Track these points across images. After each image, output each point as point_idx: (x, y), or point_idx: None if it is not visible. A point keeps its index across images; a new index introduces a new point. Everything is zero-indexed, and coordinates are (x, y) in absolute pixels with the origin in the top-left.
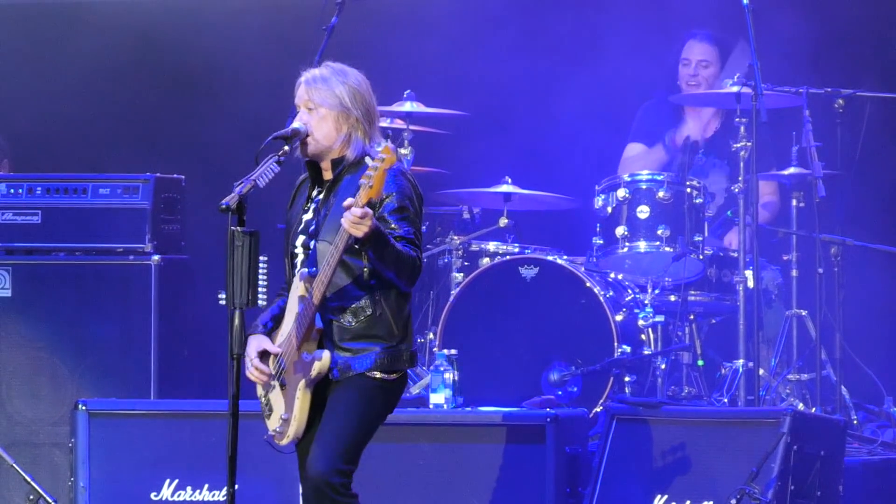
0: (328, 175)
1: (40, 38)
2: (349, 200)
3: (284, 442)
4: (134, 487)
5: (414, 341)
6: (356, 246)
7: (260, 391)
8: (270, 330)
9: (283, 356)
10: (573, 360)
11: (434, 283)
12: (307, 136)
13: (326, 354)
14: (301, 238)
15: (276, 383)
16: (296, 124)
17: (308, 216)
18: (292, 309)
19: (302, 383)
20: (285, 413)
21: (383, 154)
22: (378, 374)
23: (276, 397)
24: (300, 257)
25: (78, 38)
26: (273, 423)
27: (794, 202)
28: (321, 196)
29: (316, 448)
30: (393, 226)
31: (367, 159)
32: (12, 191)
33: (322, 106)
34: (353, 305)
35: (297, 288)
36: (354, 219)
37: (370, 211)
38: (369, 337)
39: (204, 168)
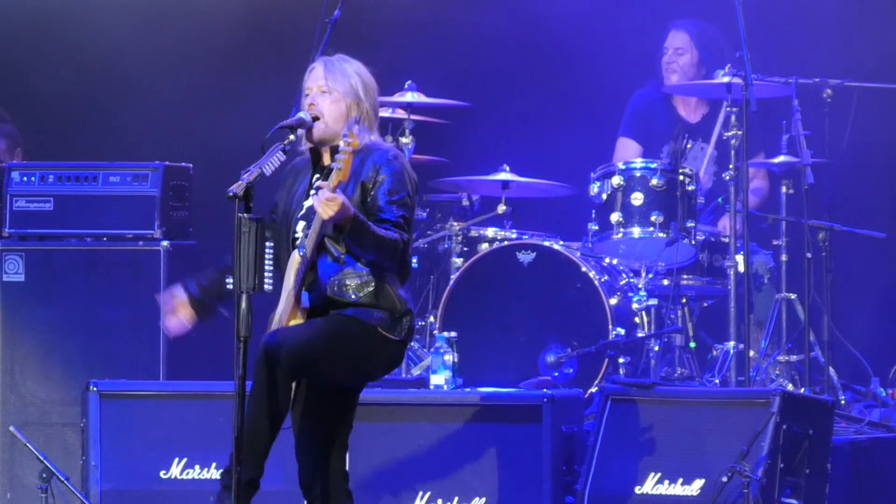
0: (328, 161)
1: (51, 27)
2: (320, 182)
3: None
4: (144, 466)
5: (415, 322)
6: (332, 233)
7: None
8: (191, 294)
9: None
10: (569, 343)
11: (434, 267)
12: (315, 118)
13: None
14: (301, 224)
15: None
16: (301, 114)
17: (309, 202)
18: (286, 288)
19: None
20: None
21: (349, 139)
22: (379, 330)
23: None
24: (300, 239)
25: (88, 26)
26: None
27: (783, 189)
28: (320, 182)
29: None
30: (382, 208)
31: (341, 143)
32: (25, 178)
33: (336, 90)
34: (356, 282)
35: (290, 269)
36: (322, 200)
37: (341, 197)
38: (370, 305)
39: (211, 156)
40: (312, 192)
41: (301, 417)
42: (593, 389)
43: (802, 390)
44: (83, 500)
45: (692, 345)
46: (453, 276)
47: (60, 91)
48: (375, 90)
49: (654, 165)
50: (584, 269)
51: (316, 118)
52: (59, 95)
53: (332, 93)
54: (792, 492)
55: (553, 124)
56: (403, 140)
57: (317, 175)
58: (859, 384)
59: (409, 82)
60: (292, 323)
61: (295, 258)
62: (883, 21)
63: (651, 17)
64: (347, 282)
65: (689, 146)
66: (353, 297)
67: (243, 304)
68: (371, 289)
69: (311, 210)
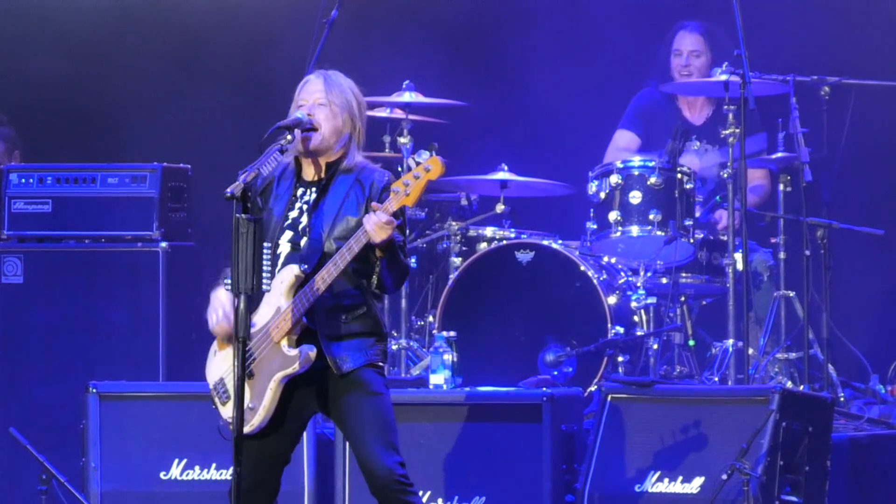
0: (316, 175)
1: (49, 28)
2: (375, 205)
3: (245, 430)
4: (144, 467)
5: (388, 340)
6: (376, 251)
7: (214, 377)
8: None
9: (252, 347)
10: (568, 341)
11: (433, 267)
12: (311, 128)
13: (314, 350)
14: (288, 234)
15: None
16: (298, 114)
17: (294, 213)
18: (272, 302)
19: (279, 376)
20: (251, 402)
21: (429, 165)
22: (380, 363)
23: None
24: (284, 252)
25: (87, 28)
26: (231, 411)
27: (781, 187)
28: (309, 196)
29: (371, 447)
30: None
31: (410, 161)
32: (23, 180)
33: (334, 103)
34: (348, 303)
35: (285, 282)
36: (381, 223)
37: (394, 219)
38: (362, 333)
39: (209, 157)
40: (368, 220)
41: (283, 445)
42: (593, 388)
43: (802, 388)
44: (83, 502)
45: (691, 343)
46: (452, 276)
47: (58, 93)
48: (366, 109)
49: (652, 164)
50: (582, 267)
51: (316, 129)
52: (58, 97)
53: (330, 106)
54: (792, 489)
55: (551, 123)
56: (402, 140)
57: (302, 189)
58: (858, 381)
59: (406, 82)
60: (287, 340)
61: (294, 271)
62: (881, 18)
63: (650, 17)
64: (342, 303)
65: (696, 146)
66: (343, 318)
67: (241, 305)
68: (362, 311)
69: (297, 221)
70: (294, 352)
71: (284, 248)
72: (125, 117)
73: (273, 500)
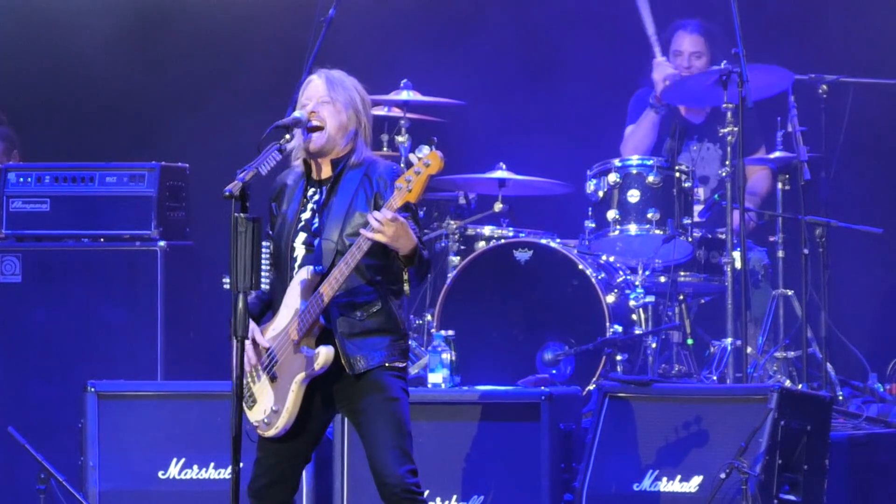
0: (325, 173)
1: (48, 28)
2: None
3: (271, 433)
4: (142, 466)
5: (407, 338)
6: (400, 257)
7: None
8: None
9: (275, 350)
10: (566, 340)
11: (431, 266)
12: (316, 127)
13: (331, 349)
14: (302, 236)
15: (264, 375)
16: (297, 113)
17: (307, 215)
18: (290, 304)
19: (300, 377)
20: (275, 405)
21: (429, 159)
22: (398, 364)
23: (263, 389)
24: (300, 255)
25: (85, 28)
26: (257, 415)
27: (779, 185)
28: (319, 195)
29: (384, 453)
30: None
31: (411, 156)
32: (21, 179)
33: (338, 100)
34: (362, 301)
35: (299, 284)
36: (386, 219)
37: (400, 217)
38: (378, 331)
39: (208, 156)
40: (370, 215)
41: (305, 444)
42: (591, 387)
43: (800, 386)
44: (81, 501)
45: (689, 342)
46: (450, 275)
47: (57, 92)
48: (370, 107)
49: (650, 163)
50: (580, 266)
51: (319, 128)
52: (56, 97)
53: (334, 103)
54: (790, 488)
55: (549, 122)
56: (399, 139)
57: (312, 189)
58: (857, 380)
59: (404, 81)
60: (304, 342)
61: (302, 275)
62: (879, 16)
63: (649, 14)
64: (355, 300)
65: (694, 147)
66: (358, 315)
67: (240, 304)
68: (377, 308)
69: (311, 222)
70: (312, 352)
71: (300, 250)
72: (124, 117)
73: (293, 496)
